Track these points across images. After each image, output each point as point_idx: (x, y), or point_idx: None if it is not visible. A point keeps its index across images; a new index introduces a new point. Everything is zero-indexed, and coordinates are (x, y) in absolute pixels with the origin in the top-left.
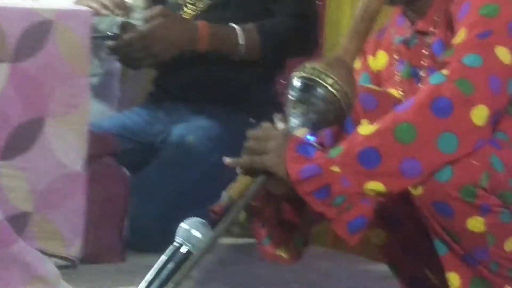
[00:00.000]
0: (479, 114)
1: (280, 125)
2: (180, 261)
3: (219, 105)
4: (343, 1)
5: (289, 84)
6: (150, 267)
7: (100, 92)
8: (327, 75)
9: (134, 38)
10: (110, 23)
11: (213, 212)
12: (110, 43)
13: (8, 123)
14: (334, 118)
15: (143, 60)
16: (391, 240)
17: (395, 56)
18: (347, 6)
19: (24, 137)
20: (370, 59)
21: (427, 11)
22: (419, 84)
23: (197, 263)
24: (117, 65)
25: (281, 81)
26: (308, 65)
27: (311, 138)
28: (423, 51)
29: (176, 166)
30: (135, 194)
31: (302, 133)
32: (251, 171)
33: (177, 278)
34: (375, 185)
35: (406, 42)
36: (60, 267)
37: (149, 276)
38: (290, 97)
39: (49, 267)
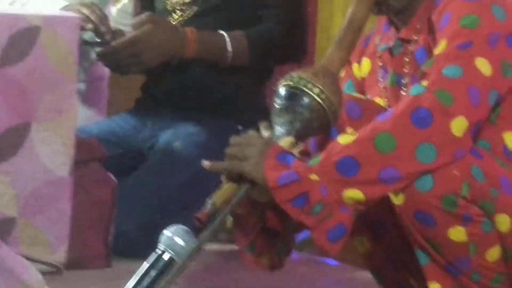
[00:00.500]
0: (458, 125)
1: (265, 133)
2: (163, 269)
3: (207, 111)
4: (334, 8)
5: (275, 92)
6: (135, 273)
7: (88, 97)
8: (313, 84)
9: (123, 45)
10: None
11: (197, 219)
12: (98, 49)
13: None
14: (319, 127)
15: (131, 66)
16: (375, 248)
17: (379, 64)
18: (339, 13)
19: (10, 142)
20: (355, 66)
21: (411, 19)
22: (402, 92)
23: (180, 271)
24: (105, 70)
25: (270, 87)
26: (294, 74)
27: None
28: (406, 58)
29: (162, 172)
30: (121, 199)
31: (287, 141)
32: (234, 178)
33: (161, 286)
34: (354, 193)
35: (390, 50)
36: (45, 273)
37: (131, 283)
38: (276, 105)
39: (32, 273)
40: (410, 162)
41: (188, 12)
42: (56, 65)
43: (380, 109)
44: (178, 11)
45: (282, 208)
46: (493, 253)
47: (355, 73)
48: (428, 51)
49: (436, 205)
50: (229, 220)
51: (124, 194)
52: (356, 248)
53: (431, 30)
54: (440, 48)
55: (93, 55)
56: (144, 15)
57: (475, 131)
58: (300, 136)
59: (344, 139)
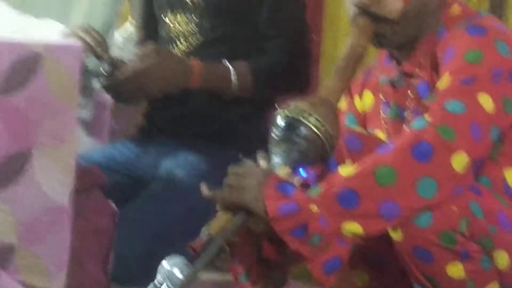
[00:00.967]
0: (459, 161)
1: (262, 163)
2: None
3: (209, 140)
4: (339, 36)
5: (272, 122)
6: None
7: (90, 124)
8: (310, 115)
9: (128, 77)
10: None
11: (191, 248)
12: (102, 80)
13: None
14: (316, 157)
15: (136, 97)
16: (374, 283)
17: (381, 97)
18: (343, 41)
19: (11, 170)
20: (356, 99)
21: (413, 53)
22: (404, 125)
23: None
24: (109, 98)
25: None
26: (292, 104)
27: (303, 175)
28: (409, 92)
29: (163, 200)
30: (121, 227)
31: (284, 171)
32: (230, 207)
33: None
34: (352, 226)
35: (392, 83)
36: None
37: None
38: (273, 135)
39: None
40: (411, 196)
41: (192, 41)
42: (57, 93)
43: (381, 143)
44: (182, 40)
45: (281, 238)
46: None
47: (356, 106)
48: (431, 85)
49: (434, 241)
50: (226, 249)
51: (124, 221)
52: (354, 282)
53: (434, 65)
54: (443, 82)
55: (97, 84)
56: (149, 46)
57: (476, 167)
58: (297, 166)
59: (345, 170)
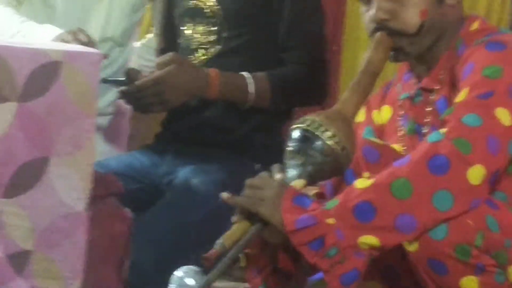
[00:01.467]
0: (476, 174)
1: (277, 175)
2: None
3: (226, 149)
4: (359, 47)
5: (288, 135)
6: None
7: (109, 132)
8: (325, 128)
9: (146, 84)
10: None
11: (205, 259)
12: (121, 88)
13: (13, 162)
14: (331, 170)
15: (154, 106)
16: None
17: (400, 112)
18: (363, 52)
19: (28, 176)
20: (374, 113)
21: (433, 69)
22: (421, 141)
23: None
24: (127, 106)
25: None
26: (308, 117)
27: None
28: (427, 108)
29: (179, 209)
30: (137, 234)
31: (299, 184)
32: (247, 217)
33: None
34: (369, 239)
35: (411, 98)
36: None
37: None
38: (289, 147)
39: None
40: (427, 209)
41: (211, 51)
42: (76, 100)
43: (397, 155)
44: (201, 50)
45: (297, 250)
46: None
47: (374, 119)
48: (450, 102)
49: (449, 253)
50: (243, 259)
51: (140, 229)
52: None
53: (453, 81)
54: (460, 96)
55: (115, 92)
56: (168, 55)
57: (493, 181)
58: (312, 179)
59: (362, 183)
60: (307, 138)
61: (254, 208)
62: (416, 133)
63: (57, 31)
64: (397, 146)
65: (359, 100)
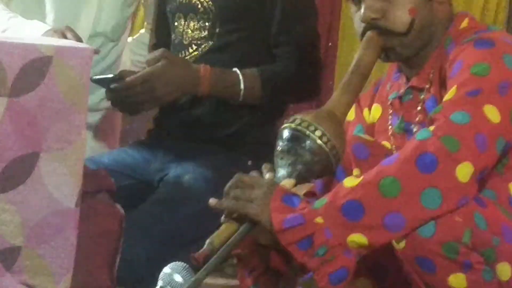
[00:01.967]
0: (464, 171)
1: (267, 175)
2: None
3: (217, 145)
4: (355, 43)
5: (278, 135)
6: None
7: (101, 128)
8: (315, 128)
9: (136, 81)
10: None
11: (194, 259)
12: (111, 86)
13: (3, 157)
14: (321, 170)
15: (144, 104)
16: None
17: (390, 110)
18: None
19: (18, 171)
20: (365, 111)
21: (422, 67)
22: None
23: None
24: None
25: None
26: (298, 116)
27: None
28: (417, 107)
29: (171, 205)
30: (128, 230)
31: (288, 183)
32: (236, 218)
33: None
34: (358, 238)
35: (400, 98)
36: None
37: None
38: (279, 147)
39: None
40: (415, 207)
41: (203, 46)
42: (66, 96)
43: (387, 152)
44: (194, 46)
45: (286, 250)
46: None
47: (365, 117)
48: (439, 100)
49: (437, 251)
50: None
51: (132, 225)
52: None
53: (442, 79)
54: (449, 94)
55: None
56: (158, 51)
57: (481, 178)
58: (301, 179)
59: (350, 182)
60: (297, 137)
61: (242, 209)
62: (405, 131)
63: (45, 27)
64: (387, 144)
65: (350, 100)
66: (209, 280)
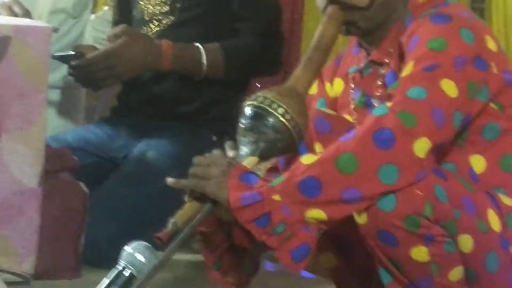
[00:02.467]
0: (421, 147)
1: (230, 153)
2: (123, 285)
3: (181, 121)
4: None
5: (241, 112)
6: None
7: (63, 105)
8: (278, 105)
9: (98, 58)
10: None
11: (158, 239)
12: (72, 63)
13: None
14: (284, 147)
15: (106, 79)
16: (341, 265)
17: (351, 85)
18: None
19: None
20: (327, 86)
21: (381, 42)
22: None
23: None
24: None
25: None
26: (260, 94)
27: None
28: (377, 81)
29: (135, 182)
30: (93, 209)
31: (251, 161)
32: (197, 197)
33: None
34: (316, 213)
35: (360, 72)
36: (13, 283)
37: None
38: (241, 125)
39: None
40: (372, 183)
41: (165, 22)
42: (26, 75)
43: (350, 125)
44: (155, 21)
45: (245, 228)
46: (456, 273)
47: (327, 92)
48: (399, 74)
49: (398, 225)
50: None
51: (96, 203)
52: (322, 264)
53: (401, 54)
54: (406, 70)
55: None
56: (119, 28)
57: (438, 154)
58: (264, 156)
59: (307, 159)
60: (260, 115)
61: (200, 188)
62: (367, 106)
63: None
64: (349, 118)
65: (312, 76)
66: (176, 256)
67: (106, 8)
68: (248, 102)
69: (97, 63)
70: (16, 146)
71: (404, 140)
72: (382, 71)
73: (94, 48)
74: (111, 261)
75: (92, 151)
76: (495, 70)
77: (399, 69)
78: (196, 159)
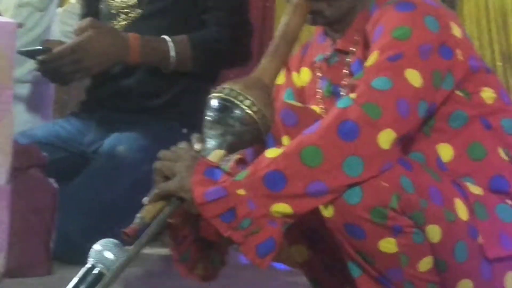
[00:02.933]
0: (386, 138)
1: (196, 146)
2: (92, 283)
3: (151, 114)
4: None
5: (207, 104)
6: None
7: (32, 100)
8: (244, 97)
9: (64, 52)
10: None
11: (125, 234)
12: (39, 57)
13: None
14: (251, 139)
15: (73, 74)
16: (312, 257)
17: (318, 74)
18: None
19: None
20: (294, 75)
21: (347, 30)
22: None
23: (110, 285)
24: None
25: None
26: (226, 85)
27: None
28: (344, 70)
29: (105, 176)
30: (63, 205)
31: (218, 154)
32: (163, 194)
33: None
34: (281, 207)
35: (326, 60)
36: None
37: None
38: (207, 117)
39: None
40: (337, 175)
41: (132, 15)
42: None
43: (317, 117)
44: (122, 14)
45: (210, 223)
46: (425, 264)
47: (294, 81)
48: (364, 63)
49: (365, 217)
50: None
51: (66, 198)
52: (294, 257)
53: (367, 43)
54: (371, 60)
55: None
56: (85, 21)
57: (405, 143)
58: (232, 149)
59: (272, 152)
60: (226, 107)
61: (166, 185)
62: (334, 94)
63: None
64: (317, 108)
65: (278, 66)
66: (147, 250)
67: (73, 1)
68: (214, 94)
69: (64, 58)
70: None
71: (369, 132)
72: (348, 59)
73: (61, 42)
74: (84, 256)
75: (62, 146)
76: (460, 57)
77: (365, 57)
78: (162, 154)
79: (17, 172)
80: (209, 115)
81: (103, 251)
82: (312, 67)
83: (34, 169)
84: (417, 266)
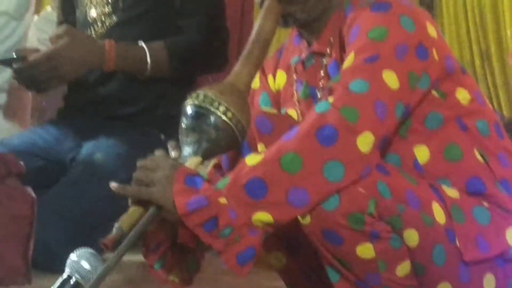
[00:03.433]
0: (365, 141)
1: (173, 153)
2: None
3: (129, 121)
4: None
5: (182, 111)
6: None
7: (9, 108)
8: (219, 103)
9: (40, 60)
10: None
11: (103, 245)
12: (14, 66)
13: None
14: (227, 145)
15: (49, 81)
16: (290, 263)
17: (294, 76)
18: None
19: None
20: (270, 78)
21: (321, 31)
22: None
23: None
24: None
25: None
26: (200, 91)
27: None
28: (320, 72)
29: (83, 184)
30: (42, 213)
31: (194, 161)
32: (141, 203)
33: None
34: (262, 216)
35: (302, 63)
36: None
37: None
38: (183, 125)
39: None
40: (318, 181)
41: (108, 23)
42: None
43: (292, 123)
44: (99, 23)
45: (193, 232)
46: (403, 268)
47: (270, 85)
48: (341, 64)
49: (342, 223)
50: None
51: (45, 207)
52: (271, 263)
53: (342, 44)
54: (347, 62)
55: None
56: (61, 28)
57: (383, 145)
58: (208, 155)
59: (251, 160)
60: (201, 114)
61: (145, 194)
62: (310, 97)
63: None
64: (293, 112)
65: (252, 71)
66: (126, 257)
67: (48, 8)
68: (189, 101)
69: (40, 65)
70: None
71: (347, 136)
72: (325, 61)
73: (36, 50)
74: (63, 265)
75: (40, 154)
76: (436, 57)
77: (341, 58)
78: (140, 163)
79: None
80: (184, 122)
81: (79, 261)
82: (288, 69)
83: (12, 178)
84: (395, 271)
